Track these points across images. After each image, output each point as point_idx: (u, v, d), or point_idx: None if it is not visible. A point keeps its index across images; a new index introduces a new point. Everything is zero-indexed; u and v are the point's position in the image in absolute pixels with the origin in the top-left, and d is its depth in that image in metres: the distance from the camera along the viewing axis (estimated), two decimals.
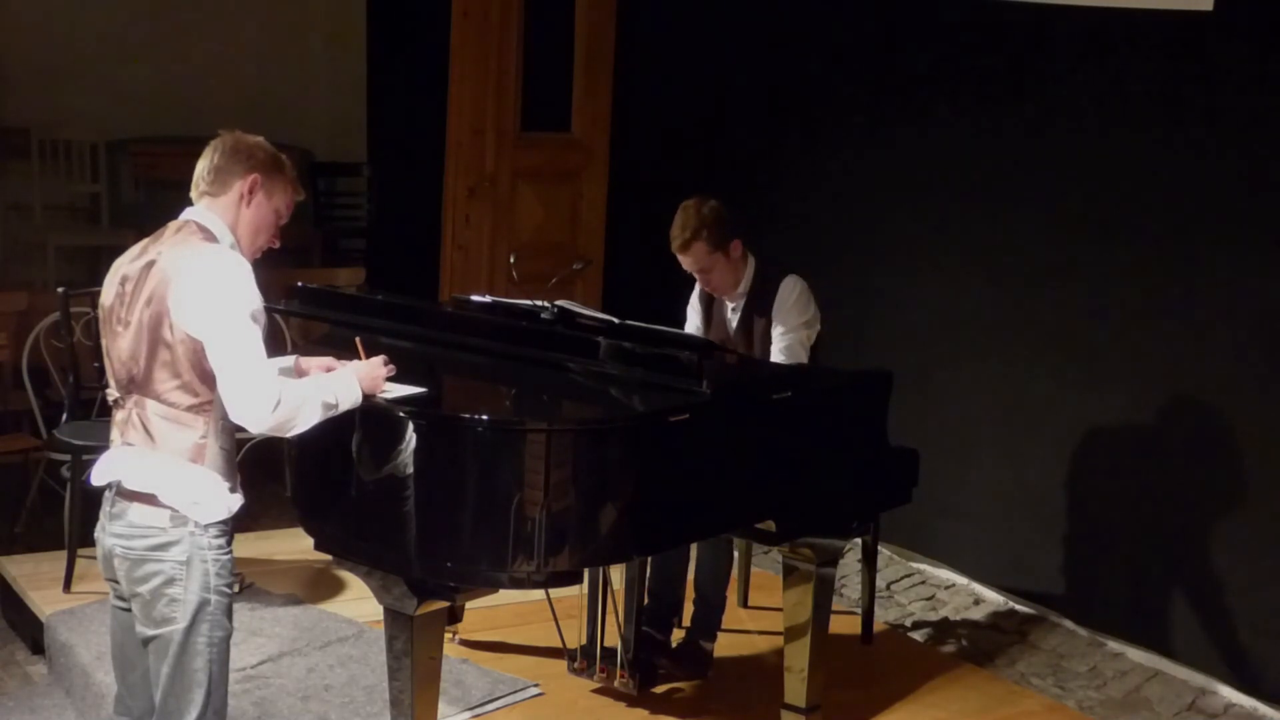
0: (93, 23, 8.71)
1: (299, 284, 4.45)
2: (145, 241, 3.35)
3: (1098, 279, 5.67)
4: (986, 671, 5.31)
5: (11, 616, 5.35)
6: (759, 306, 4.81)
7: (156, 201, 8.27)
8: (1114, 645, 5.61)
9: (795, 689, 4.45)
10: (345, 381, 3.41)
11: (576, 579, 3.79)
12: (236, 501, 3.34)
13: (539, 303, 4.25)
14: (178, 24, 8.94)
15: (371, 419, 3.55)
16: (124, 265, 3.34)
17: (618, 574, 4.73)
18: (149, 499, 3.24)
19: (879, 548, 5.44)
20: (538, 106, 7.76)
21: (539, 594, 4.68)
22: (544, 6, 7.68)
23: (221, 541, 3.29)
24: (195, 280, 3.19)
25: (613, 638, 4.71)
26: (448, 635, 4.55)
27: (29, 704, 4.73)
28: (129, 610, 3.35)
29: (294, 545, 5.48)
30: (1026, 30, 5.85)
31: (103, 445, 3.42)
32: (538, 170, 7.81)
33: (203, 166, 3.35)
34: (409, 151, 8.36)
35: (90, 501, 3.80)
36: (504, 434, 3.53)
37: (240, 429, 3.27)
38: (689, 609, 4.99)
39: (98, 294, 3.46)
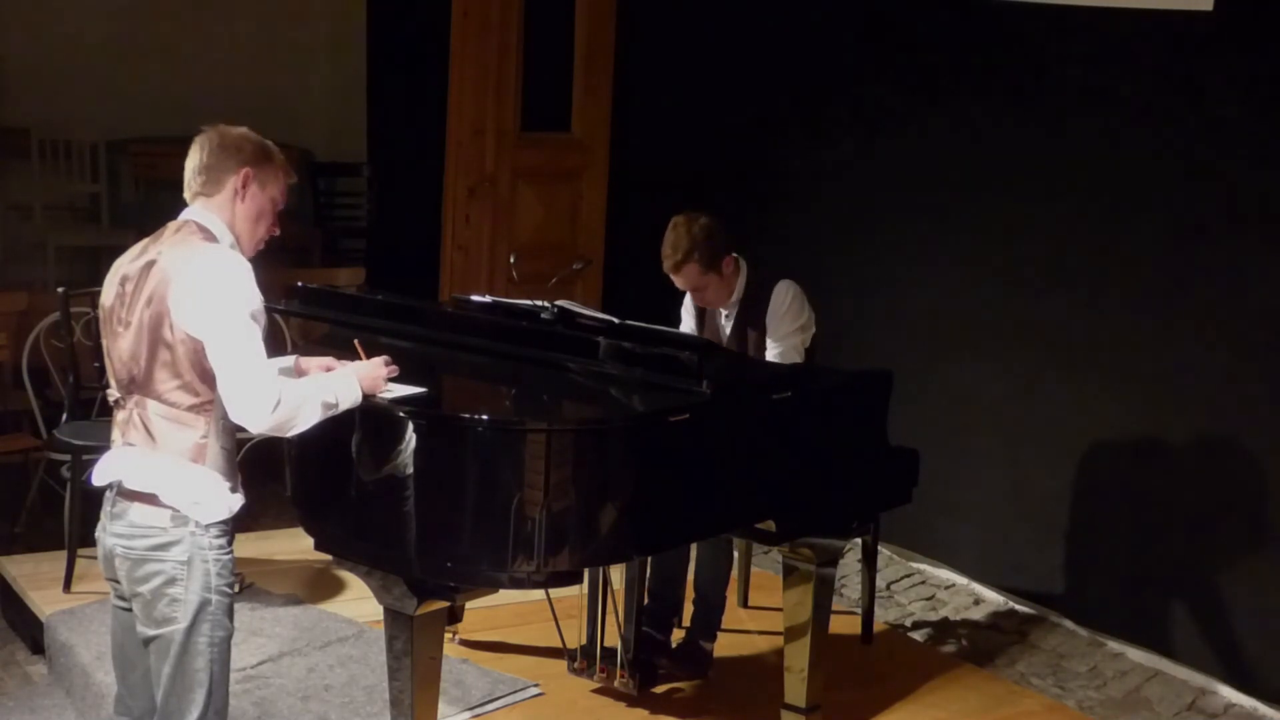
0: (93, 23, 8.73)
1: (299, 284, 4.44)
2: (145, 241, 3.35)
3: (1098, 279, 5.67)
4: (986, 671, 5.31)
5: (11, 616, 5.35)
6: (752, 316, 4.77)
7: (156, 201, 8.28)
8: (1114, 645, 5.61)
9: (795, 689, 4.45)
10: (345, 381, 3.41)
11: (576, 579, 3.79)
12: (237, 501, 3.34)
13: (539, 303, 4.24)
14: (178, 24, 8.96)
15: (371, 419, 3.55)
16: (124, 265, 3.33)
17: (618, 574, 4.73)
18: (150, 499, 3.24)
19: (879, 548, 5.44)
20: (538, 106, 7.75)
21: (539, 594, 4.68)
22: (544, 6, 7.67)
23: (222, 541, 3.29)
24: (195, 280, 3.18)
25: (613, 638, 4.71)
26: (448, 635, 4.55)
27: (29, 704, 4.73)
28: (130, 610, 3.35)
29: (294, 545, 5.48)
30: (1027, 30, 5.85)
31: (103, 445, 3.42)
32: (538, 170, 7.81)
33: (192, 166, 3.33)
34: (409, 151, 8.36)
35: (90, 501, 3.79)
36: (504, 434, 3.53)
37: (241, 429, 3.27)
38: (689, 609, 4.99)
39: (98, 294, 3.46)
